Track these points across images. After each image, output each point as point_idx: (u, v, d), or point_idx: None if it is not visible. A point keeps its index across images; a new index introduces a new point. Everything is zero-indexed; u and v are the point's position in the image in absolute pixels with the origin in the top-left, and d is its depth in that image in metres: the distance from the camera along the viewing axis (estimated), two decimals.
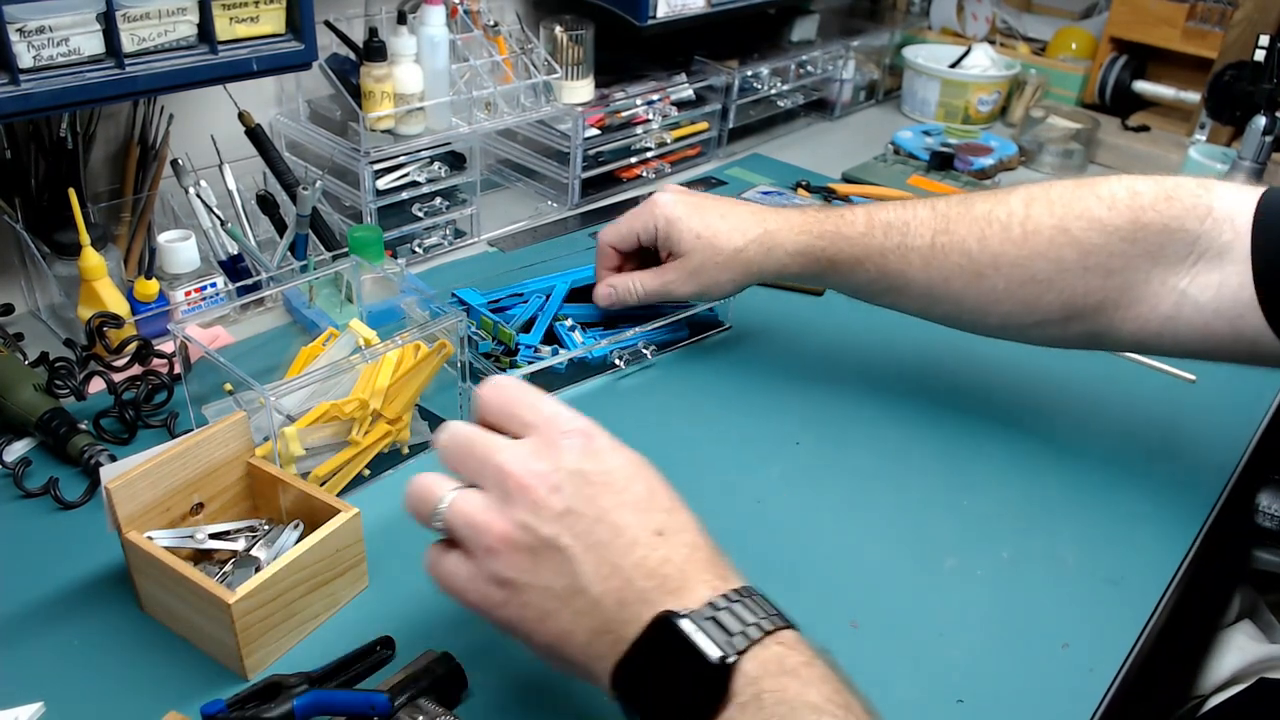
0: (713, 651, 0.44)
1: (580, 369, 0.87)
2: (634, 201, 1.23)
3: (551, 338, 0.89)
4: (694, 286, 0.85)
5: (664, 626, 0.46)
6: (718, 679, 0.44)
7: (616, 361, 0.88)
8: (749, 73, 1.36)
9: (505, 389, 0.53)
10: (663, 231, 0.85)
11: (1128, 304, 0.71)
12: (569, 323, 0.90)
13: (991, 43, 1.68)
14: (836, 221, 0.80)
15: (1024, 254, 0.72)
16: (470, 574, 0.50)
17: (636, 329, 0.89)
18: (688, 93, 1.29)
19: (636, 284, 0.87)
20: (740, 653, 0.44)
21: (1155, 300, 0.70)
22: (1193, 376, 0.93)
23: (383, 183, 1.03)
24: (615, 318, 0.91)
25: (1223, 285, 0.67)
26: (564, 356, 0.85)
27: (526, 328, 0.89)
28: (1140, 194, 0.69)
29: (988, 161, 1.40)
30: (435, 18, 1.02)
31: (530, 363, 0.84)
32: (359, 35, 1.00)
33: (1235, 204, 0.67)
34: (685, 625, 0.45)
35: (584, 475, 0.49)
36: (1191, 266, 0.68)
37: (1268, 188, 0.68)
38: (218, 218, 0.92)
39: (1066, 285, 0.71)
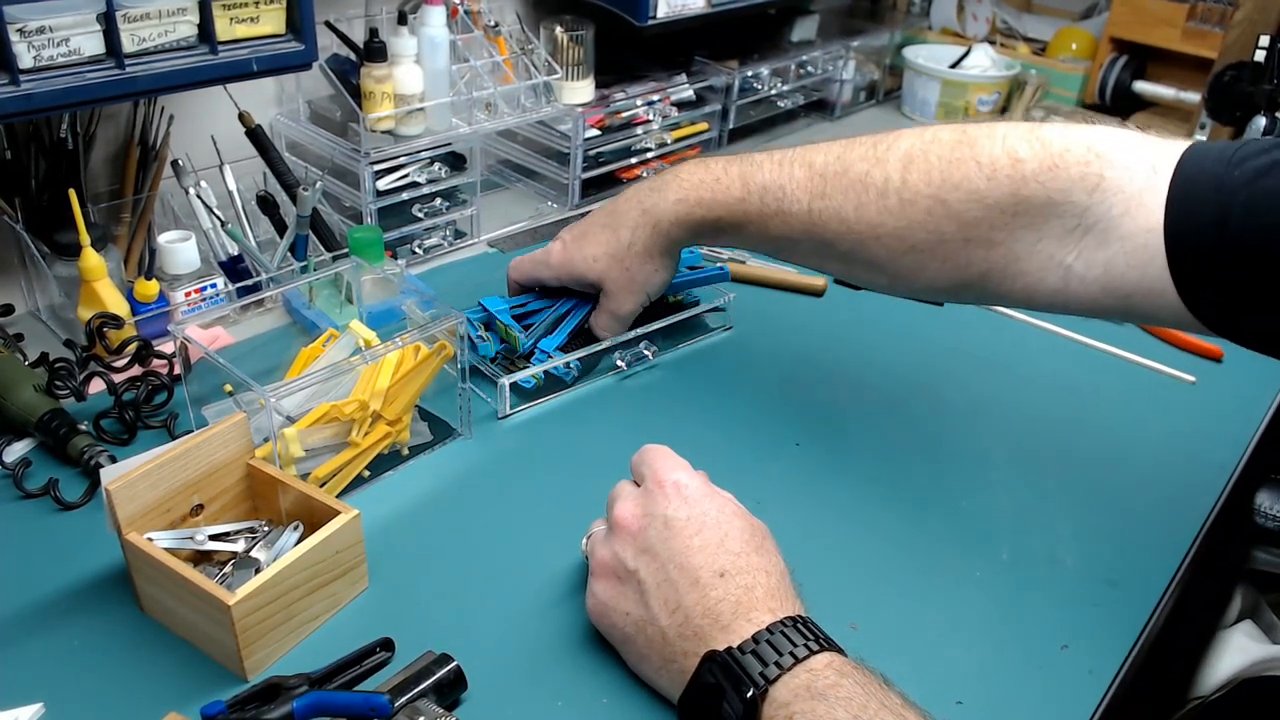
0: (744, 684, 0.49)
1: (583, 369, 0.87)
2: None
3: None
4: (633, 296, 0.85)
5: (709, 662, 0.52)
6: (751, 707, 0.49)
7: (619, 363, 0.88)
8: (749, 73, 1.36)
9: (643, 451, 0.63)
10: (572, 278, 0.87)
11: (1014, 275, 0.66)
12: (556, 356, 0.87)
13: (991, 43, 1.68)
14: (712, 186, 0.78)
15: (902, 225, 0.68)
16: (589, 588, 0.60)
17: (640, 330, 0.89)
18: (688, 93, 1.29)
19: (601, 328, 0.88)
20: (771, 682, 0.49)
21: (1041, 274, 0.65)
22: (1192, 377, 0.93)
23: (383, 183, 1.03)
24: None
25: (1110, 263, 0.62)
26: (565, 358, 0.85)
27: (549, 332, 0.88)
28: (1022, 161, 0.63)
29: None
30: (435, 18, 1.02)
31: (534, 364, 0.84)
32: (359, 36, 1.00)
33: (1130, 173, 0.60)
34: (725, 659, 0.51)
35: (668, 520, 0.57)
36: (1079, 241, 0.63)
37: (1183, 150, 0.60)
38: (218, 218, 0.92)
39: (948, 256, 0.68)
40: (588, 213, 1.19)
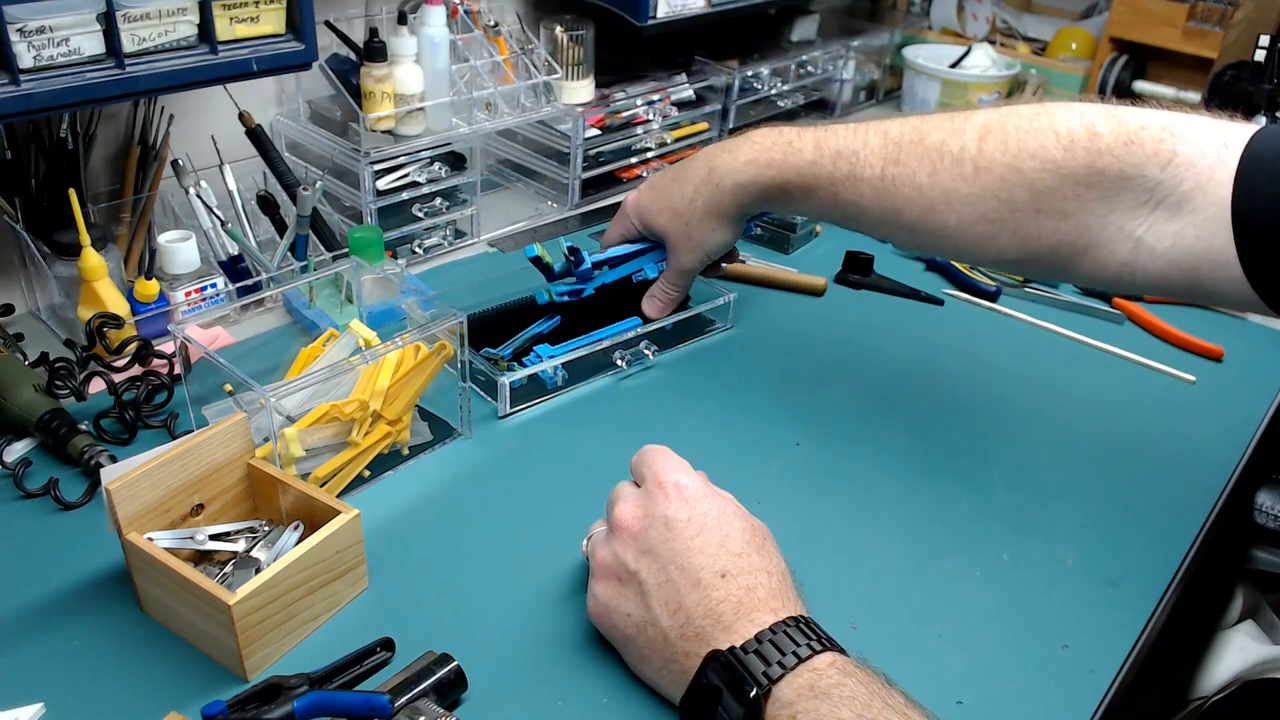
0: (747, 683, 0.49)
1: (580, 370, 0.87)
2: None
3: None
4: (693, 253, 0.86)
5: (711, 662, 0.52)
6: (754, 707, 0.49)
7: (618, 362, 0.88)
8: (749, 73, 1.36)
9: (643, 451, 0.63)
10: (640, 225, 0.89)
11: (1083, 248, 0.68)
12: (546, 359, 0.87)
13: (992, 43, 1.68)
14: (785, 149, 0.78)
15: (975, 191, 0.69)
16: (589, 589, 0.60)
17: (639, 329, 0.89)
18: (688, 93, 1.29)
19: (661, 292, 0.90)
20: (774, 681, 0.49)
21: (1111, 246, 0.66)
22: (1192, 377, 0.93)
23: (383, 183, 1.03)
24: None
25: (1179, 235, 0.63)
26: (559, 360, 0.85)
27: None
28: (1100, 135, 0.65)
29: None
30: (436, 18, 1.02)
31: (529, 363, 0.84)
32: (359, 35, 1.00)
33: (1201, 150, 0.62)
34: (728, 659, 0.51)
35: (668, 521, 0.57)
36: (1149, 214, 0.64)
37: (1255, 130, 0.62)
38: (218, 218, 0.92)
39: (1019, 227, 0.69)
40: (587, 213, 1.20)
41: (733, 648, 0.51)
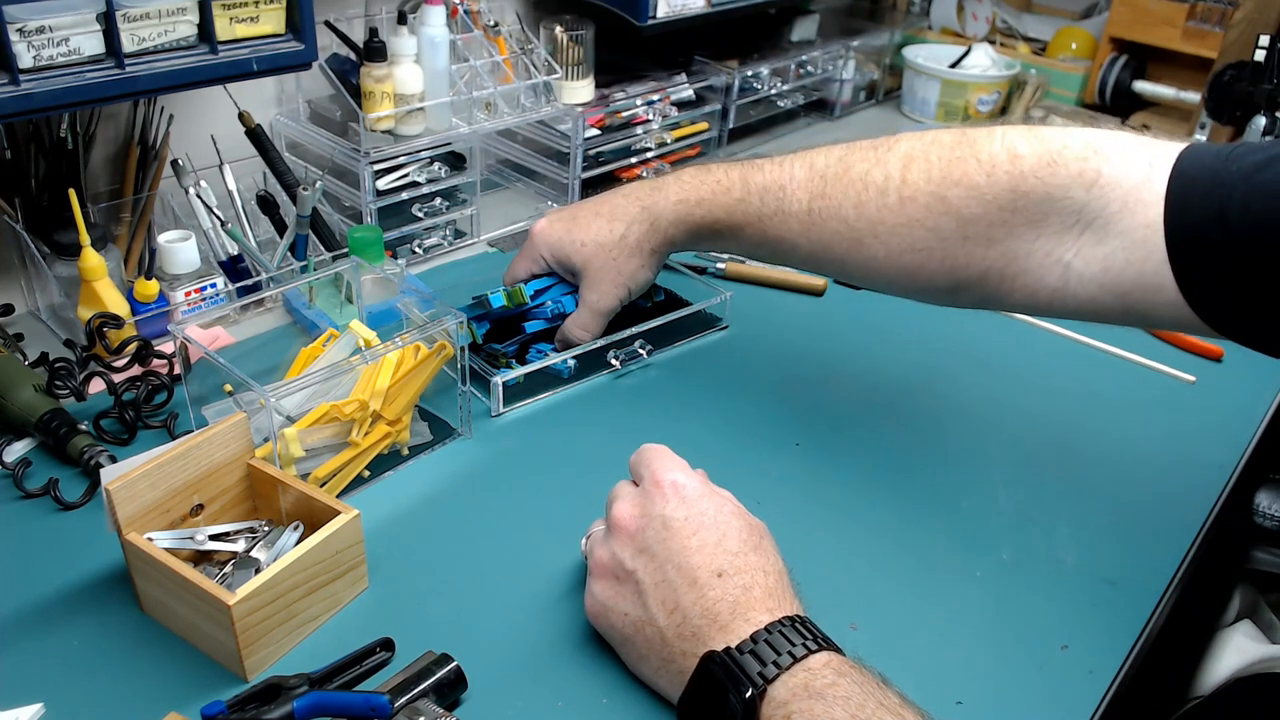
0: (743, 684, 0.50)
1: (578, 369, 0.87)
2: None
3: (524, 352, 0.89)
4: (613, 291, 0.84)
5: (708, 662, 0.52)
6: (750, 707, 0.49)
7: (613, 362, 0.88)
8: (749, 73, 1.36)
9: (641, 450, 0.63)
10: (551, 259, 0.86)
11: (1013, 275, 0.67)
12: (550, 354, 0.87)
13: (991, 43, 1.68)
14: (712, 187, 0.79)
15: (901, 222, 0.69)
16: (587, 588, 0.60)
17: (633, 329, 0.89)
18: (688, 93, 1.29)
19: (573, 328, 0.86)
20: (770, 681, 0.49)
21: (1041, 272, 0.65)
22: (1192, 377, 0.93)
23: (383, 183, 1.03)
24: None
25: (1109, 259, 0.62)
26: (566, 354, 0.85)
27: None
28: (1021, 158, 0.64)
29: None
30: (435, 18, 1.02)
31: (528, 361, 0.84)
32: (359, 35, 1.00)
33: (1127, 170, 0.61)
34: (724, 659, 0.51)
35: (665, 521, 0.57)
36: (1077, 238, 0.63)
37: (1181, 149, 0.61)
38: (218, 218, 0.92)
39: (947, 255, 0.68)
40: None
41: (729, 648, 0.51)
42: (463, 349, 0.76)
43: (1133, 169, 0.61)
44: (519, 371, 0.83)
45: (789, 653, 0.50)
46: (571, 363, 0.86)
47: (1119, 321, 0.66)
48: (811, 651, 0.51)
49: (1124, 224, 0.61)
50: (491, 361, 0.86)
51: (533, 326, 0.89)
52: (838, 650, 0.52)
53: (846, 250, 0.72)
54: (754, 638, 0.51)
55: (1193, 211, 0.58)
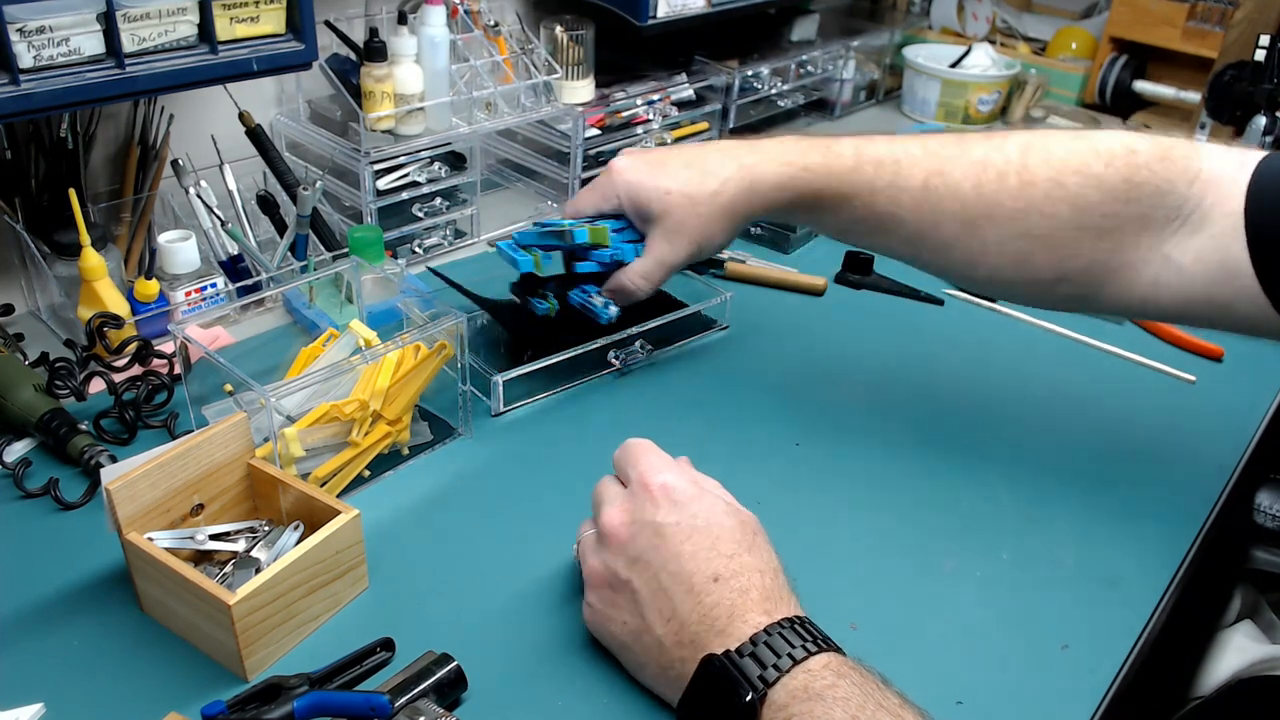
0: (743, 688, 0.49)
1: (578, 368, 0.87)
2: None
3: (571, 313, 0.85)
4: (686, 246, 0.79)
5: (707, 666, 0.51)
6: (750, 711, 0.49)
7: (614, 361, 0.88)
8: (749, 73, 1.36)
9: (626, 447, 0.62)
10: (627, 199, 0.80)
11: (1116, 267, 0.69)
12: (595, 296, 0.82)
13: (992, 42, 1.68)
14: (823, 153, 0.75)
15: (1019, 206, 0.69)
16: (585, 599, 0.60)
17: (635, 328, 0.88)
18: (688, 93, 1.29)
19: (633, 276, 0.81)
20: (770, 685, 0.49)
21: (1141, 265, 0.68)
22: (1192, 377, 0.93)
23: (383, 183, 1.03)
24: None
25: (1200, 251, 0.66)
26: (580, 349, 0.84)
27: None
28: (1137, 152, 0.67)
29: None
30: (436, 18, 1.02)
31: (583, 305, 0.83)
32: (359, 35, 1.00)
33: (1223, 167, 0.65)
34: (723, 663, 0.51)
35: (656, 527, 0.56)
36: (1176, 231, 0.66)
37: (1265, 154, 0.65)
38: (218, 218, 0.92)
39: (1059, 244, 0.69)
40: None
41: (728, 651, 0.51)
42: (462, 339, 0.75)
43: (1227, 166, 0.65)
44: (518, 371, 0.83)
45: (788, 655, 0.50)
46: (614, 310, 0.81)
47: (1203, 317, 0.69)
48: (811, 653, 0.50)
49: (1214, 215, 0.65)
50: (534, 293, 0.82)
51: (583, 268, 0.83)
52: (837, 650, 0.52)
53: (956, 232, 0.71)
54: (753, 640, 0.51)
55: (1269, 201, 0.63)
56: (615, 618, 0.57)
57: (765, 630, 0.51)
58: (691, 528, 0.56)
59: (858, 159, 0.74)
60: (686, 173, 0.78)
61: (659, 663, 0.55)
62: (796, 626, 0.52)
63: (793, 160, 0.76)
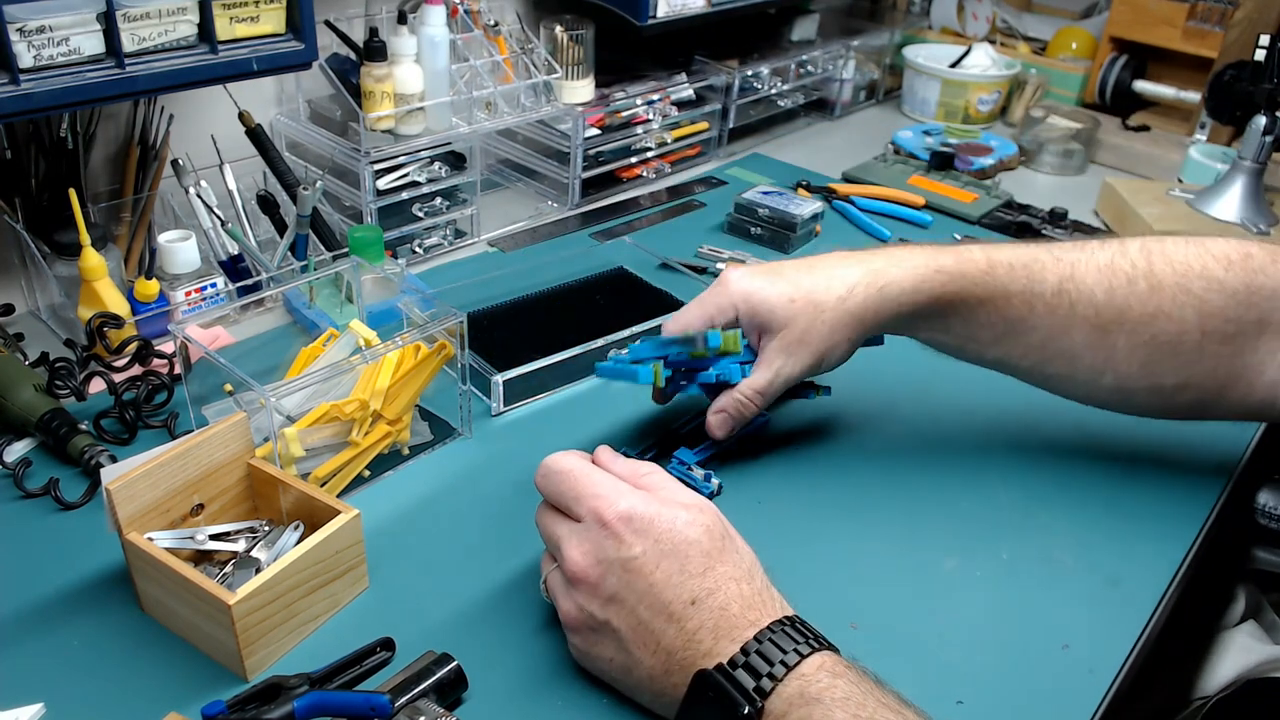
0: (739, 703, 0.49)
1: (579, 368, 0.87)
2: (635, 202, 1.24)
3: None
4: (807, 358, 0.72)
5: (700, 685, 0.51)
6: None
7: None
8: (749, 72, 1.36)
9: (553, 476, 0.58)
10: (745, 309, 0.73)
11: (1238, 371, 0.69)
12: (694, 468, 0.75)
13: (992, 42, 1.68)
14: (955, 257, 0.72)
15: (1149, 311, 0.69)
16: (568, 640, 0.59)
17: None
18: (688, 92, 1.29)
19: (747, 393, 0.73)
20: (766, 695, 0.49)
21: (1261, 368, 0.69)
22: None
23: (383, 183, 1.03)
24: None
25: None
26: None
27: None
28: (1253, 255, 0.68)
29: (988, 161, 1.40)
30: (435, 18, 1.02)
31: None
32: (359, 35, 1.00)
33: None
34: (717, 678, 0.50)
35: (624, 562, 0.54)
36: None
37: None
38: (218, 218, 0.92)
39: (1184, 349, 0.69)
40: (587, 212, 1.20)
41: (720, 665, 0.50)
42: (462, 339, 0.75)
43: None
44: (518, 371, 0.82)
45: (781, 662, 0.49)
46: (716, 483, 0.74)
47: None
48: (804, 655, 0.50)
49: None
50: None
51: (688, 391, 0.78)
52: (830, 648, 0.51)
53: (1086, 337, 0.71)
54: (744, 650, 0.50)
55: None
56: (601, 655, 0.56)
57: (756, 637, 0.51)
58: (659, 554, 0.54)
59: (990, 263, 0.72)
60: (810, 279, 0.72)
61: (652, 691, 0.55)
62: (786, 629, 0.51)
63: (923, 263, 0.72)
